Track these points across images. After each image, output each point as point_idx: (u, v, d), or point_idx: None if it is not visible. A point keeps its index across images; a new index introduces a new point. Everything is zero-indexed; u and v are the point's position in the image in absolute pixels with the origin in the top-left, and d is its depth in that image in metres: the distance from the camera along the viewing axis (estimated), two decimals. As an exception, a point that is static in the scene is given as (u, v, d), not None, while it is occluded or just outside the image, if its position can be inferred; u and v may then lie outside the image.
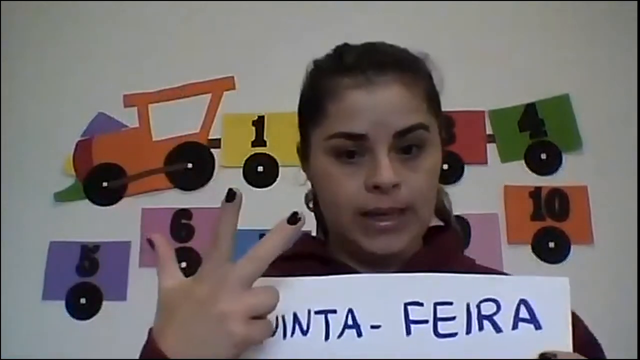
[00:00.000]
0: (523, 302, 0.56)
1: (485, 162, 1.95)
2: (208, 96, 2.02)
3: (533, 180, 1.93)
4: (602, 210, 1.90)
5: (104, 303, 1.87)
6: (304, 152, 0.77)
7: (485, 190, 1.92)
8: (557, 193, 1.92)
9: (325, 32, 1.99)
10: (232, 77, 2.02)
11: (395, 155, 0.68)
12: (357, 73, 0.70)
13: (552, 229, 1.89)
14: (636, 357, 1.73)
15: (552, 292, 0.56)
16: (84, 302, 1.88)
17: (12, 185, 1.98)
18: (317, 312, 0.58)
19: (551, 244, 1.89)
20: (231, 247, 0.54)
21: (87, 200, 1.96)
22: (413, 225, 0.70)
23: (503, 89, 1.99)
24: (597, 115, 1.97)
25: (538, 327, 0.55)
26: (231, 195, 0.55)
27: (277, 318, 0.57)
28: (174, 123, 2.00)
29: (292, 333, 0.57)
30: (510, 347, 0.55)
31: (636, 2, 2.01)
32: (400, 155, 0.68)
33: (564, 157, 1.95)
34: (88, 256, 1.92)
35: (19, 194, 1.97)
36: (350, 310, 0.57)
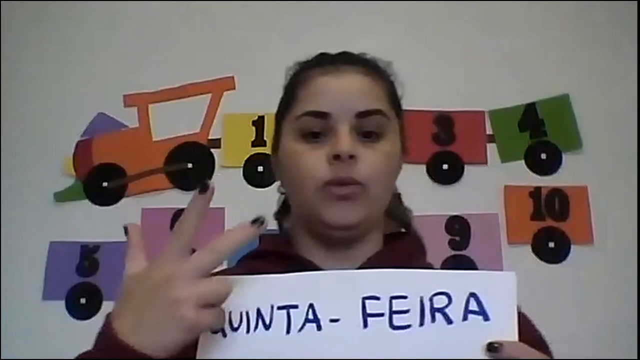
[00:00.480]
0: (473, 295, 0.59)
1: (485, 162, 1.95)
2: (208, 96, 2.02)
3: (533, 180, 1.93)
4: (602, 210, 1.90)
5: (104, 303, 1.87)
6: (276, 144, 0.83)
7: (485, 190, 1.92)
8: (557, 193, 1.92)
9: (325, 32, 2.00)
10: (232, 77, 2.02)
11: (356, 136, 0.74)
12: (328, 64, 0.79)
13: (552, 229, 1.89)
14: (636, 357, 1.73)
15: (500, 286, 0.59)
16: (84, 302, 1.88)
17: (12, 185, 1.98)
18: (279, 308, 0.60)
19: (551, 244, 1.89)
20: (192, 237, 0.57)
21: (87, 200, 1.96)
22: (367, 201, 0.74)
23: (503, 89, 1.99)
24: (597, 115, 1.97)
25: (486, 318, 0.58)
26: (204, 187, 0.59)
27: (241, 314, 0.60)
28: (174, 123, 2.00)
29: (256, 328, 0.60)
30: (460, 338, 0.58)
31: (636, 2, 2.01)
32: (360, 137, 0.74)
33: (564, 157, 1.95)
34: (88, 256, 1.92)
35: (19, 194, 1.97)
36: (311, 305, 0.60)
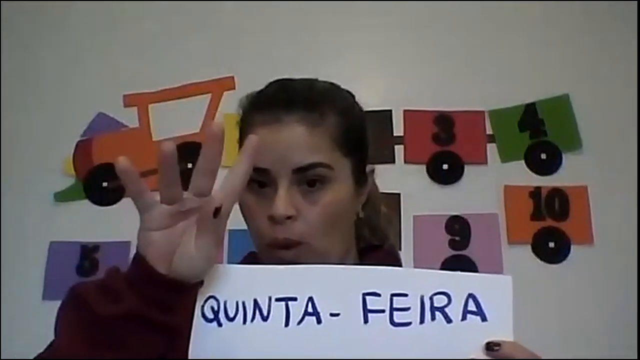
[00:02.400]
0: (471, 296, 0.61)
1: (485, 162, 1.95)
2: (208, 96, 2.02)
3: (533, 180, 1.93)
4: (602, 210, 1.90)
5: (104, 303, 1.87)
6: None
7: (485, 190, 1.92)
8: (557, 193, 1.92)
9: (325, 32, 2.00)
10: (232, 77, 2.02)
11: (298, 188, 0.75)
12: (268, 112, 0.77)
13: (552, 229, 1.89)
14: (636, 357, 1.73)
15: (497, 288, 0.61)
16: (84, 302, 1.87)
17: (12, 185, 1.98)
18: (277, 299, 0.61)
19: (551, 244, 1.88)
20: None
21: (87, 200, 1.96)
22: (317, 254, 0.74)
23: (503, 89, 1.99)
24: (597, 115, 1.97)
25: (484, 319, 0.60)
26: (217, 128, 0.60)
27: (237, 303, 0.61)
28: (174, 123, 2.00)
29: (253, 319, 0.60)
30: (459, 337, 0.59)
31: (636, 2, 2.01)
32: (303, 187, 0.75)
33: (564, 157, 1.95)
34: (88, 256, 1.92)
35: (19, 194, 1.97)
36: (310, 299, 0.60)
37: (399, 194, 1.89)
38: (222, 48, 2.05)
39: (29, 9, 2.10)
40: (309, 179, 0.75)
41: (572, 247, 1.88)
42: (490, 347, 0.58)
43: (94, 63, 2.07)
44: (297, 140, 0.75)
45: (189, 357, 0.60)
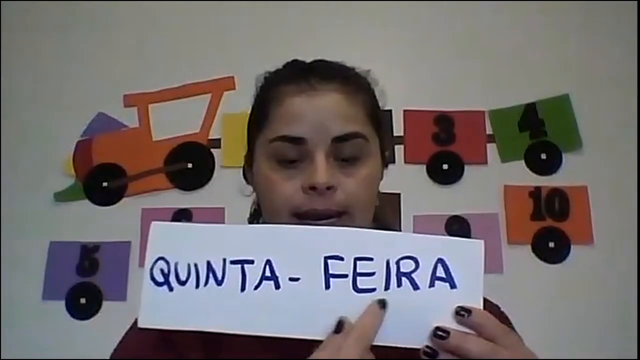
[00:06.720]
0: (440, 261, 0.57)
1: (485, 162, 1.95)
2: (208, 96, 2.02)
3: (533, 180, 1.93)
4: (602, 210, 1.90)
5: (104, 303, 1.87)
6: (249, 160, 0.80)
7: (485, 190, 1.92)
8: (557, 193, 1.92)
9: (325, 32, 2.00)
10: (232, 77, 2.02)
11: (333, 162, 0.69)
12: (301, 81, 0.72)
13: (552, 229, 1.89)
14: (636, 357, 1.73)
15: (467, 253, 0.58)
16: (84, 302, 1.87)
17: (12, 185, 1.98)
18: (233, 262, 0.57)
19: (551, 244, 1.88)
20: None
21: (87, 200, 1.96)
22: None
23: (503, 89, 1.99)
24: (597, 115, 1.97)
25: (453, 286, 0.57)
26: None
27: (189, 266, 0.57)
28: (174, 123, 2.00)
29: (206, 283, 0.57)
30: (426, 304, 0.56)
31: (636, 2, 2.01)
32: (338, 162, 0.70)
33: (564, 157, 1.95)
34: (88, 256, 1.92)
35: (19, 194, 1.97)
36: (268, 261, 0.57)
37: (399, 194, 1.89)
38: (222, 48, 2.05)
39: (29, 9, 2.11)
40: (346, 152, 0.70)
41: (572, 247, 1.88)
42: (460, 312, 0.55)
43: (94, 63, 2.07)
44: (336, 108, 0.71)
45: (138, 325, 0.57)
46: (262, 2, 2.07)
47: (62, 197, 1.97)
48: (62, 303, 1.86)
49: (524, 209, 1.91)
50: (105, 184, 1.97)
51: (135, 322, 0.62)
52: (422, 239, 0.58)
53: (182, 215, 1.91)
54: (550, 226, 1.90)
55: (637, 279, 1.85)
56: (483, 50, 2.03)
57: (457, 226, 1.89)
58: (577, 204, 1.91)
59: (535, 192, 1.92)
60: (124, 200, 1.97)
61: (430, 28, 2.05)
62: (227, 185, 1.86)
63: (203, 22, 2.08)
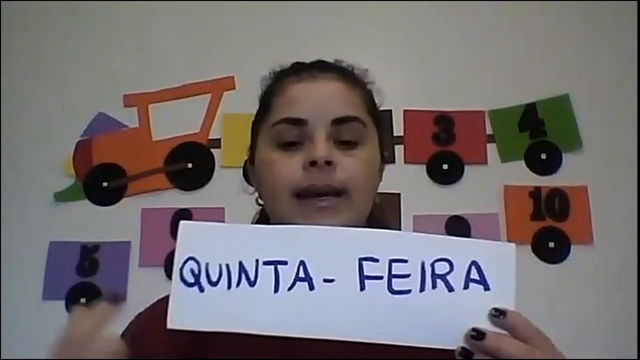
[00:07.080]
0: (474, 264, 0.58)
1: (485, 162, 1.95)
2: (208, 96, 2.02)
3: (533, 180, 1.93)
4: (602, 210, 1.90)
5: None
6: (252, 158, 0.82)
7: (485, 190, 1.92)
8: (557, 193, 1.92)
9: (325, 32, 2.00)
10: (232, 77, 2.02)
11: (333, 144, 0.72)
12: (303, 72, 0.76)
13: (552, 229, 1.89)
14: (636, 357, 1.73)
15: (500, 256, 0.58)
16: (84, 302, 1.87)
17: (12, 185, 1.98)
18: (266, 263, 0.56)
19: (551, 244, 1.88)
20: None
21: (87, 200, 1.96)
22: (348, 210, 0.71)
23: (503, 89, 1.99)
24: (597, 115, 1.97)
25: (487, 288, 0.57)
26: (115, 299, 0.60)
27: (220, 266, 0.56)
28: (174, 123, 2.00)
29: (238, 284, 0.56)
30: (461, 306, 0.57)
31: (636, 2, 2.01)
32: (337, 144, 0.72)
33: (564, 157, 1.95)
34: (88, 256, 1.91)
35: (19, 194, 1.97)
36: (302, 262, 0.56)
37: (399, 194, 1.89)
38: (222, 48, 2.05)
39: (29, 9, 2.10)
40: (345, 135, 0.72)
41: (572, 247, 1.88)
42: (496, 313, 0.56)
43: (94, 63, 2.07)
44: (336, 93, 0.74)
45: (168, 326, 0.56)
46: (262, 2, 2.07)
47: (62, 197, 1.97)
48: (62, 303, 1.86)
49: (524, 209, 1.91)
50: (105, 184, 1.97)
51: (129, 325, 0.62)
52: (456, 242, 0.59)
53: (182, 215, 1.91)
54: (550, 226, 1.90)
55: (637, 279, 1.85)
56: (483, 51, 2.03)
57: (457, 226, 1.89)
58: (577, 204, 1.91)
59: (535, 192, 1.92)
60: (124, 200, 1.97)
61: (430, 28, 2.05)
62: (227, 185, 1.86)
63: (203, 22, 2.08)
